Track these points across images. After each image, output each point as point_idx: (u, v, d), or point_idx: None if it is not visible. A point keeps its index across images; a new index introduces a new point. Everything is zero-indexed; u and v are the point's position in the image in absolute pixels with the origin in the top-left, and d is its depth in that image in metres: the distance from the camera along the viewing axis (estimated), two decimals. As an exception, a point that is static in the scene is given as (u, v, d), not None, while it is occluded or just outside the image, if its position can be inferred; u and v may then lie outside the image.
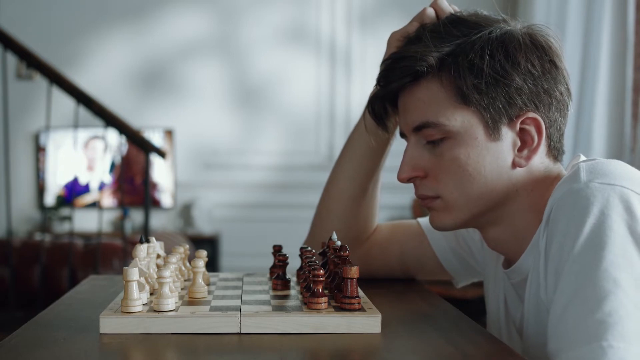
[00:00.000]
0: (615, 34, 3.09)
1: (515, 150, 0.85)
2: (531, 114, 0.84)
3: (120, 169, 4.58)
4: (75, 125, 2.82)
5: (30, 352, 0.68)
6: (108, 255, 2.60)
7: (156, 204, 4.61)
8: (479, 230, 0.94)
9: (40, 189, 4.56)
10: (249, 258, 4.31)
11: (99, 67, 4.61)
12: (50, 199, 4.53)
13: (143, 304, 0.76)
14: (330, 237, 0.90)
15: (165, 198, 4.63)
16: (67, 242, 2.63)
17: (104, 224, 4.48)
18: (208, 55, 4.63)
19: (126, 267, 0.76)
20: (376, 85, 0.93)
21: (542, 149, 0.86)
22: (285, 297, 0.85)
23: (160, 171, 4.62)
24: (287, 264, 0.92)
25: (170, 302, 0.75)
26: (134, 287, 0.75)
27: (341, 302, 0.77)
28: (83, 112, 2.85)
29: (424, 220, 1.12)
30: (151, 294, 0.84)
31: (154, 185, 4.62)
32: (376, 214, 1.15)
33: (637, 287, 0.69)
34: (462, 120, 0.84)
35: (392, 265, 1.13)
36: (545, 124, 0.84)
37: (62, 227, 4.40)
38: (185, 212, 4.66)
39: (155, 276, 0.80)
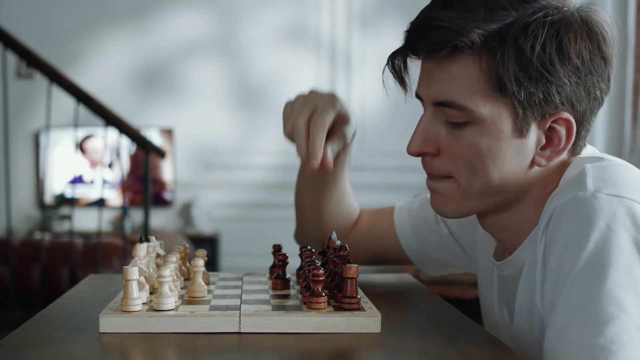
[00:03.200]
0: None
1: (538, 149, 0.79)
2: (565, 115, 0.77)
3: (124, 168, 4.58)
4: (75, 124, 2.82)
5: (30, 351, 0.68)
6: (108, 254, 2.60)
7: (164, 203, 4.61)
8: (479, 217, 0.88)
9: (40, 188, 4.56)
10: (248, 258, 4.31)
11: (99, 67, 4.61)
12: (49, 198, 4.53)
13: (143, 303, 0.76)
14: (330, 237, 0.90)
15: (166, 197, 4.64)
16: (67, 242, 2.63)
17: (103, 223, 4.48)
18: (208, 55, 4.63)
19: (126, 267, 0.76)
20: (404, 44, 0.81)
21: (567, 150, 0.80)
22: (285, 296, 0.85)
23: (165, 174, 4.62)
24: (287, 263, 0.92)
25: (170, 301, 0.75)
26: (134, 286, 0.75)
27: (341, 302, 0.76)
28: (83, 111, 2.85)
29: (398, 209, 1.11)
30: (151, 293, 0.83)
31: (162, 185, 4.62)
32: (353, 206, 1.14)
33: None
34: (492, 109, 0.76)
35: (375, 254, 1.14)
36: (576, 127, 0.78)
37: (61, 226, 4.40)
38: (185, 211, 4.66)
39: (155, 275, 0.80)
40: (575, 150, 0.82)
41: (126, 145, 4.34)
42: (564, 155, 0.81)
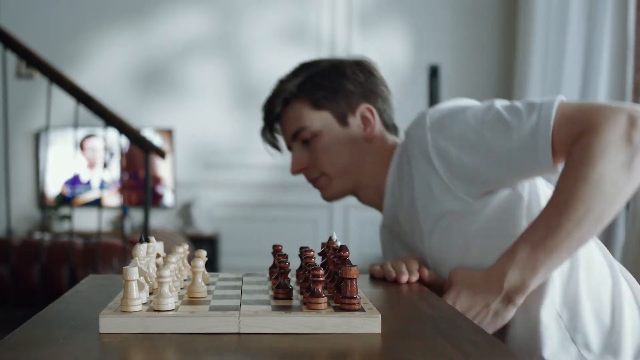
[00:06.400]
0: (616, 35, 3.09)
1: (362, 130, 1.27)
2: (364, 105, 1.27)
3: (121, 168, 4.58)
4: (75, 124, 2.82)
5: (30, 351, 0.68)
6: (108, 254, 2.60)
7: (159, 198, 4.61)
8: (355, 196, 1.31)
9: (40, 188, 4.56)
10: (248, 258, 4.31)
11: (99, 66, 4.61)
12: (49, 198, 4.53)
13: (143, 304, 0.76)
14: (330, 237, 0.90)
15: (166, 197, 4.63)
16: (67, 241, 2.63)
17: (103, 223, 4.48)
18: (208, 55, 4.63)
19: (126, 267, 0.76)
20: (263, 122, 1.35)
21: (379, 125, 1.28)
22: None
23: (161, 170, 4.62)
24: (289, 270, 0.90)
25: (170, 301, 0.75)
26: (134, 286, 0.75)
27: (341, 302, 0.76)
28: (83, 111, 2.85)
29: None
30: (151, 293, 0.83)
31: (158, 180, 4.61)
32: None
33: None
34: (321, 120, 1.26)
35: None
36: (376, 111, 1.28)
37: (61, 226, 4.40)
38: (185, 211, 4.66)
39: (155, 276, 0.80)
40: (388, 123, 1.30)
41: (123, 144, 4.34)
42: (381, 129, 1.29)
